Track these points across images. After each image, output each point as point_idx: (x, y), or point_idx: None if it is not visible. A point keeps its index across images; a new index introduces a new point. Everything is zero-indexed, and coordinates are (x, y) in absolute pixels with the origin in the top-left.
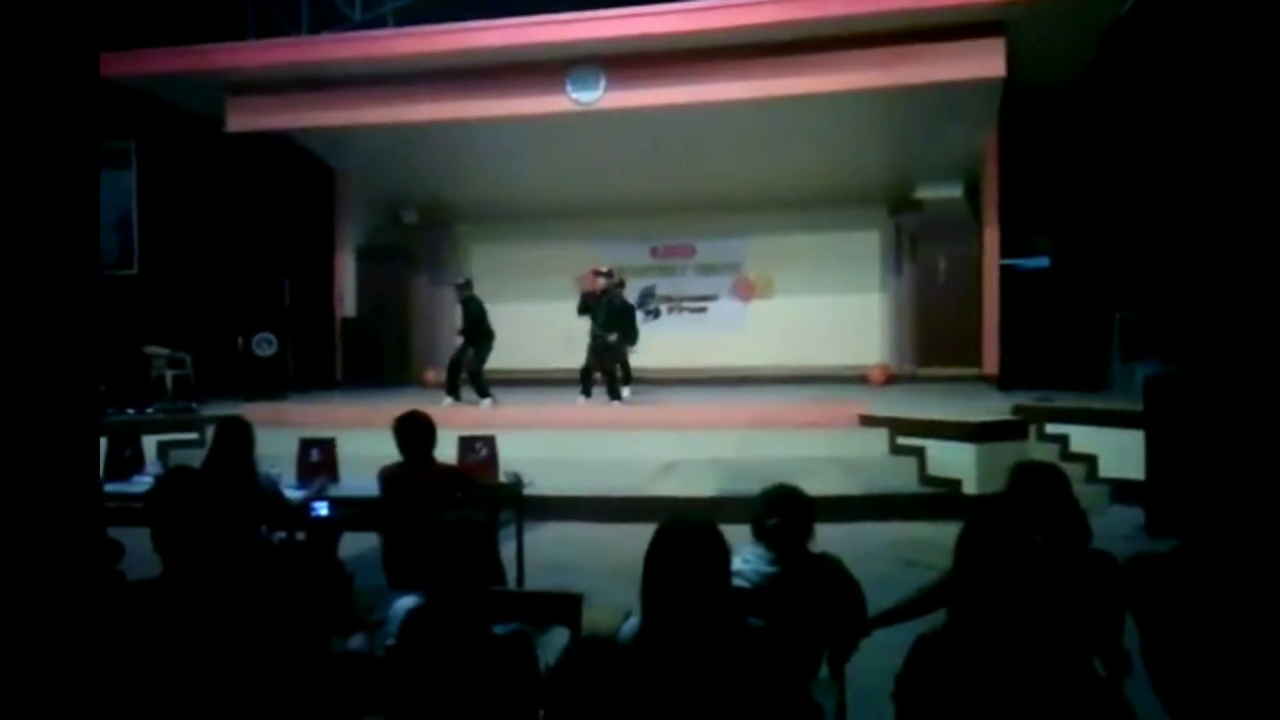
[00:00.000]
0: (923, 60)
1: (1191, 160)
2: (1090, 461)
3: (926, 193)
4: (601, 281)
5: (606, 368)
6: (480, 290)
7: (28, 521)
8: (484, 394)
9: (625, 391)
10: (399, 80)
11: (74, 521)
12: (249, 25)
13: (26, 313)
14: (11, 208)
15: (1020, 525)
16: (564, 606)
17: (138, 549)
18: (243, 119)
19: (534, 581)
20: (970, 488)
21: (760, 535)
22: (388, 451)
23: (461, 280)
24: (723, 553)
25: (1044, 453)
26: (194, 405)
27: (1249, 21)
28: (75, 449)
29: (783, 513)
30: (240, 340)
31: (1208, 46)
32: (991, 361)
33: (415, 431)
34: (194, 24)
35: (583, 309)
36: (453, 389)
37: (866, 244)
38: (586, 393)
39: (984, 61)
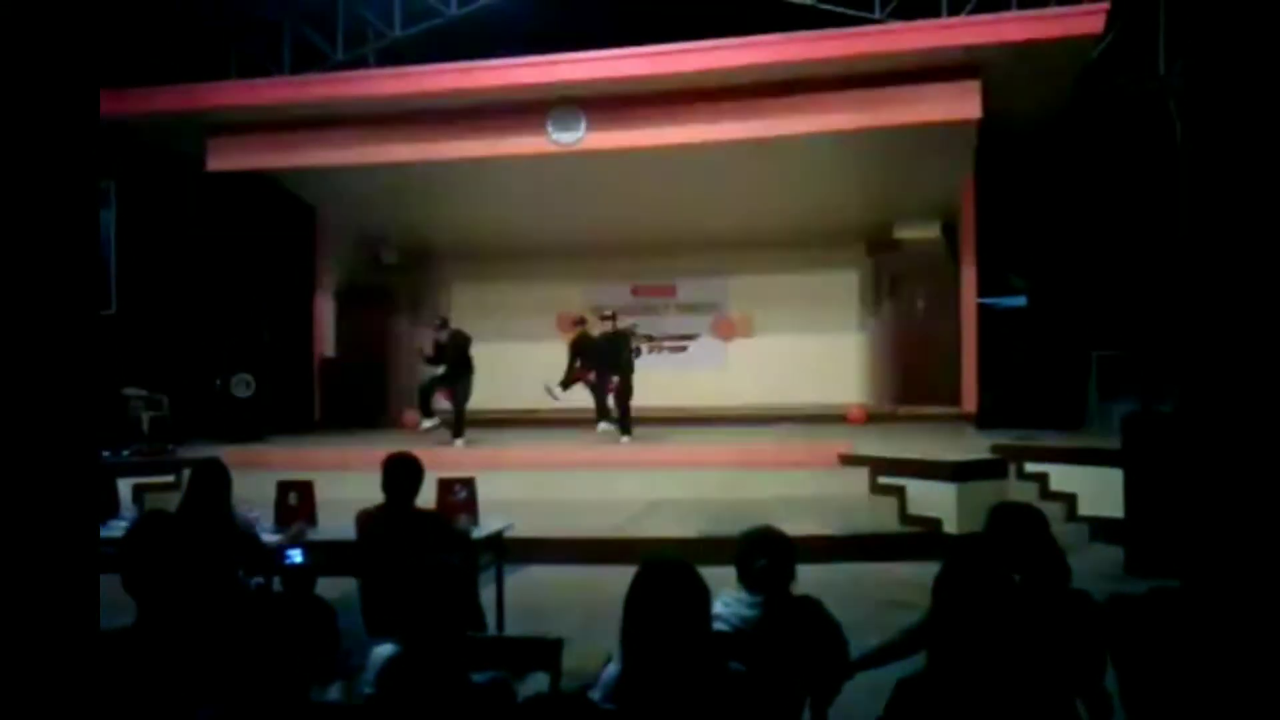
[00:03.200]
0: (900, 102)
1: (1165, 199)
2: (1069, 500)
3: (904, 233)
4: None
5: (621, 398)
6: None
7: (19, 564)
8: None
9: (601, 425)
10: (380, 120)
11: (67, 566)
12: (230, 64)
13: (26, 351)
14: (13, 244)
15: (998, 566)
16: (544, 652)
17: (109, 595)
18: (223, 159)
19: (514, 626)
20: (950, 527)
21: (746, 578)
22: (367, 494)
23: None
24: (702, 595)
25: (1023, 491)
26: (171, 447)
27: (1219, 64)
28: (71, 490)
29: (770, 553)
30: (218, 381)
31: (1179, 85)
32: (970, 400)
33: (403, 474)
34: (175, 63)
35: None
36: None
37: (845, 283)
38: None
39: (960, 103)
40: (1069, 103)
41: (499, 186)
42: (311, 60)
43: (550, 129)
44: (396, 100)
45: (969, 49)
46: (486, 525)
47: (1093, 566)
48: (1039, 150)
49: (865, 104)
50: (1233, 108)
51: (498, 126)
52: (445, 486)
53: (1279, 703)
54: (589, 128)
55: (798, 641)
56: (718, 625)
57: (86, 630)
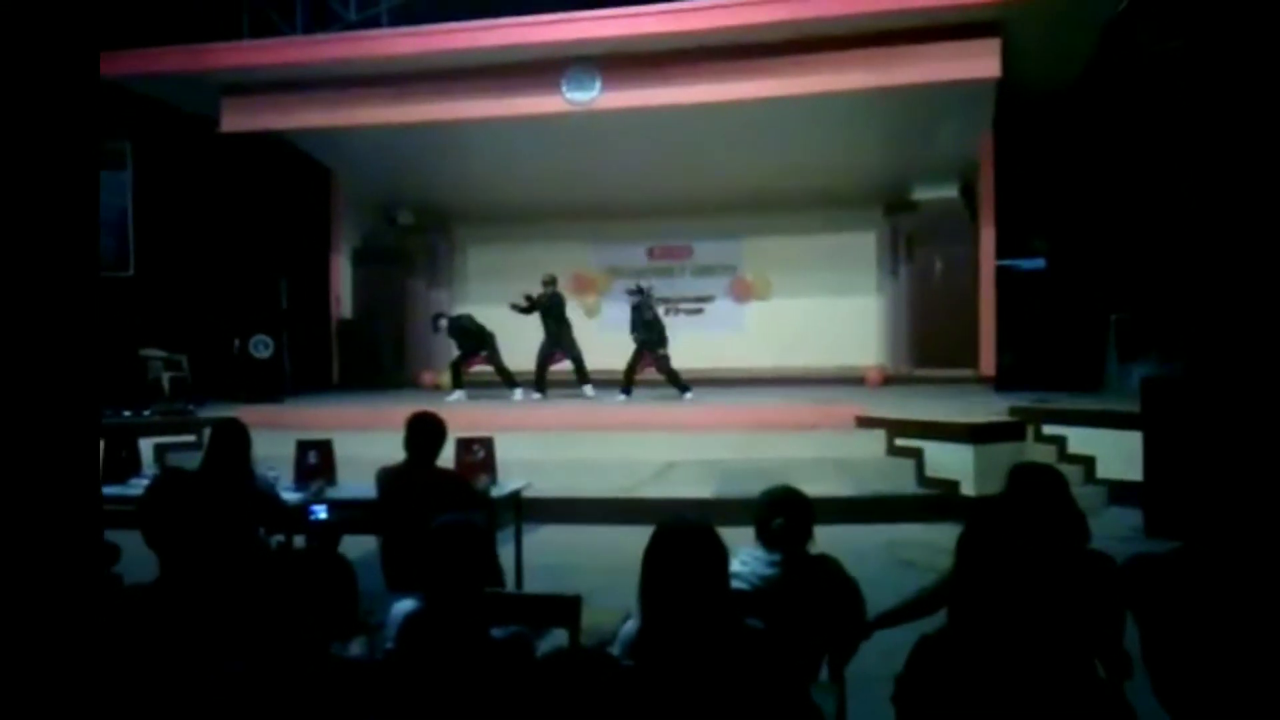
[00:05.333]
0: (918, 60)
1: (1187, 161)
2: (1088, 463)
3: (922, 194)
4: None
5: (663, 368)
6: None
7: (27, 523)
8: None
9: (587, 389)
10: (394, 80)
11: (72, 524)
12: (244, 25)
13: (27, 314)
14: (11, 209)
15: (1019, 527)
16: (563, 609)
17: (134, 552)
18: (238, 119)
19: (532, 584)
20: (968, 489)
21: (764, 536)
22: (385, 453)
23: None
24: (720, 554)
25: (1041, 454)
26: (191, 407)
27: (1246, 21)
28: (75, 451)
29: (788, 513)
30: (237, 342)
31: (1204, 46)
32: (988, 363)
33: (425, 432)
34: (189, 23)
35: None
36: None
37: (863, 245)
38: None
39: (979, 62)
40: (1090, 62)
41: (514, 147)
42: (324, 20)
43: (565, 88)
44: (410, 60)
45: (989, 6)
46: (505, 485)
47: (1111, 529)
48: (1059, 110)
49: (883, 62)
50: (1259, 70)
51: (512, 86)
52: (464, 446)
53: None
54: (604, 87)
55: (816, 600)
56: (736, 584)
57: (97, 584)
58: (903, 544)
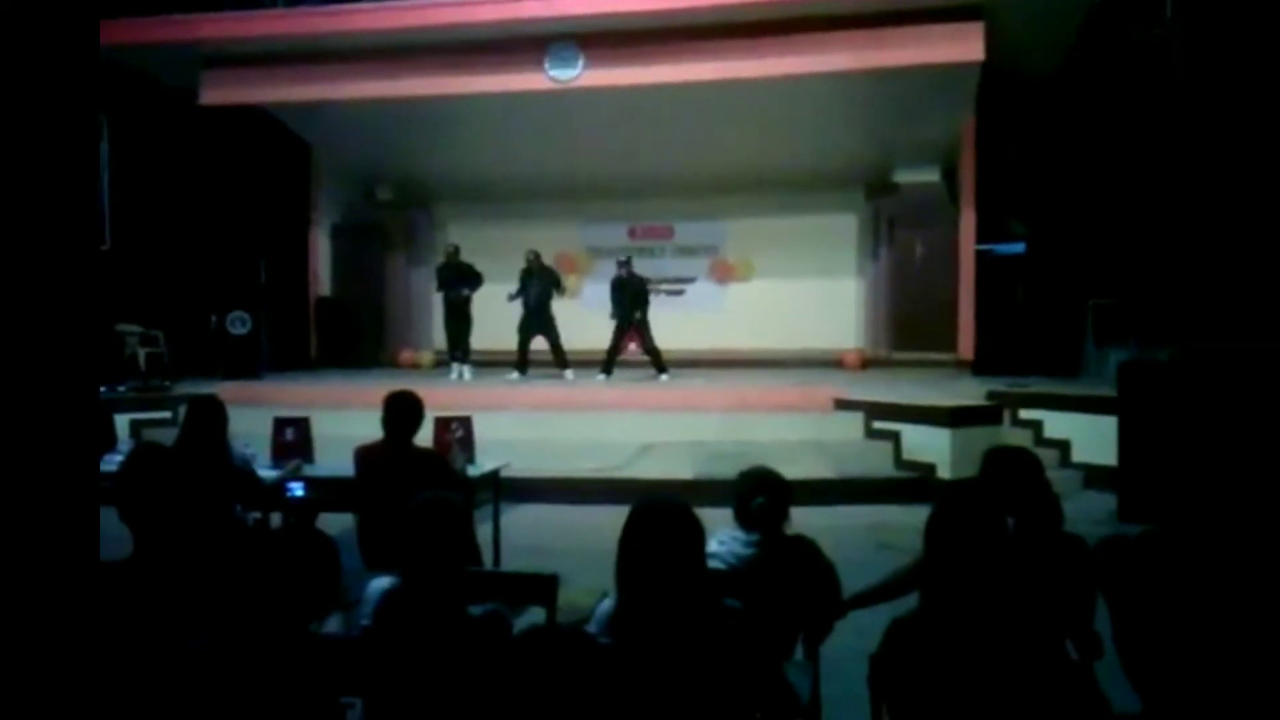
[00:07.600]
0: (901, 43)
1: (1167, 148)
2: (1063, 447)
3: (904, 177)
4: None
5: (647, 346)
6: None
7: (21, 504)
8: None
9: (568, 374)
10: (376, 55)
11: (68, 504)
12: None
13: (26, 291)
14: (12, 185)
15: (991, 509)
16: (540, 587)
17: (107, 529)
18: (217, 92)
19: (510, 562)
20: (945, 472)
21: (743, 516)
22: (363, 431)
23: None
24: (697, 533)
25: (1018, 438)
26: (167, 383)
27: (1226, 9)
28: (72, 429)
29: (766, 493)
30: (214, 318)
31: (1184, 33)
32: (966, 346)
33: (403, 411)
34: None
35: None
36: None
37: (844, 228)
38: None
39: (962, 45)
40: (1073, 48)
41: (496, 124)
42: None
43: (548, 66)
44: (393, 34)
45: None
46: (483, 464)
47: (1085, 513)
48: (1041, 96)
49: (866, 44)
50: (1238, 58)
51: (495, 62)
52: (442, 424)
53: (1268, 644)
54: (586, 65)
55: (792, 580)
56: (714, 563)
57: (87, 563)
58: (880, 526)
